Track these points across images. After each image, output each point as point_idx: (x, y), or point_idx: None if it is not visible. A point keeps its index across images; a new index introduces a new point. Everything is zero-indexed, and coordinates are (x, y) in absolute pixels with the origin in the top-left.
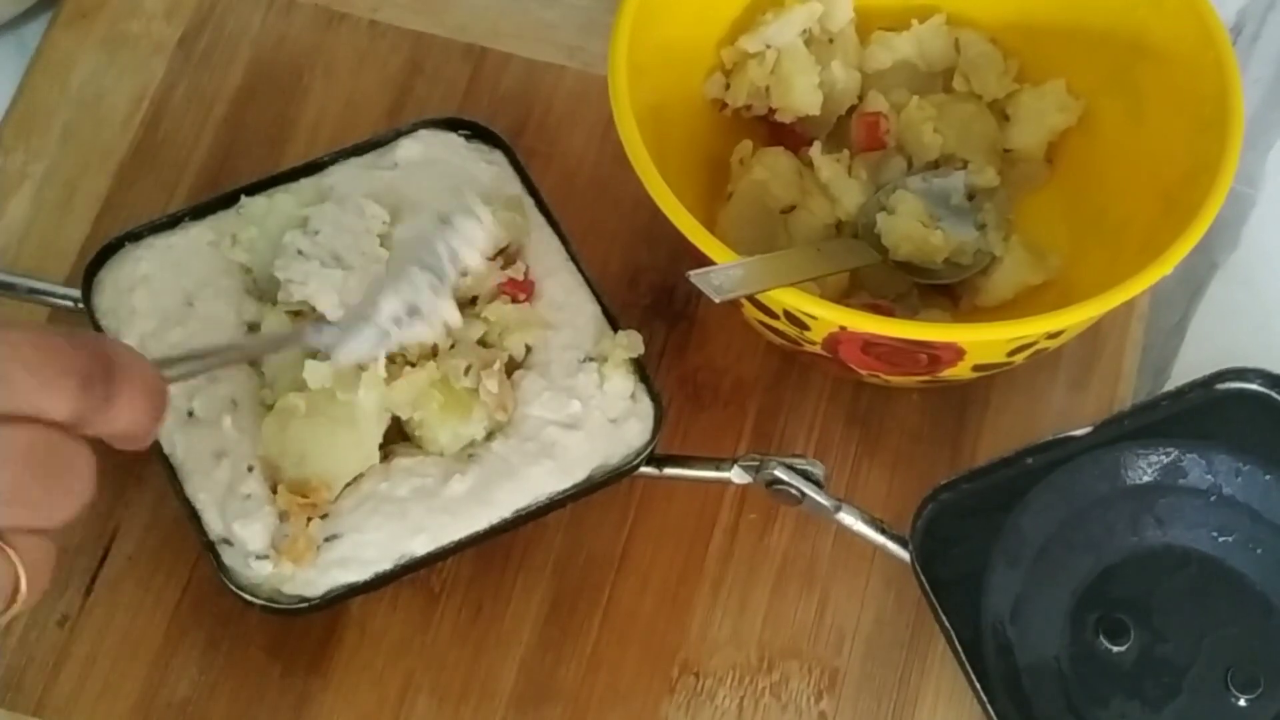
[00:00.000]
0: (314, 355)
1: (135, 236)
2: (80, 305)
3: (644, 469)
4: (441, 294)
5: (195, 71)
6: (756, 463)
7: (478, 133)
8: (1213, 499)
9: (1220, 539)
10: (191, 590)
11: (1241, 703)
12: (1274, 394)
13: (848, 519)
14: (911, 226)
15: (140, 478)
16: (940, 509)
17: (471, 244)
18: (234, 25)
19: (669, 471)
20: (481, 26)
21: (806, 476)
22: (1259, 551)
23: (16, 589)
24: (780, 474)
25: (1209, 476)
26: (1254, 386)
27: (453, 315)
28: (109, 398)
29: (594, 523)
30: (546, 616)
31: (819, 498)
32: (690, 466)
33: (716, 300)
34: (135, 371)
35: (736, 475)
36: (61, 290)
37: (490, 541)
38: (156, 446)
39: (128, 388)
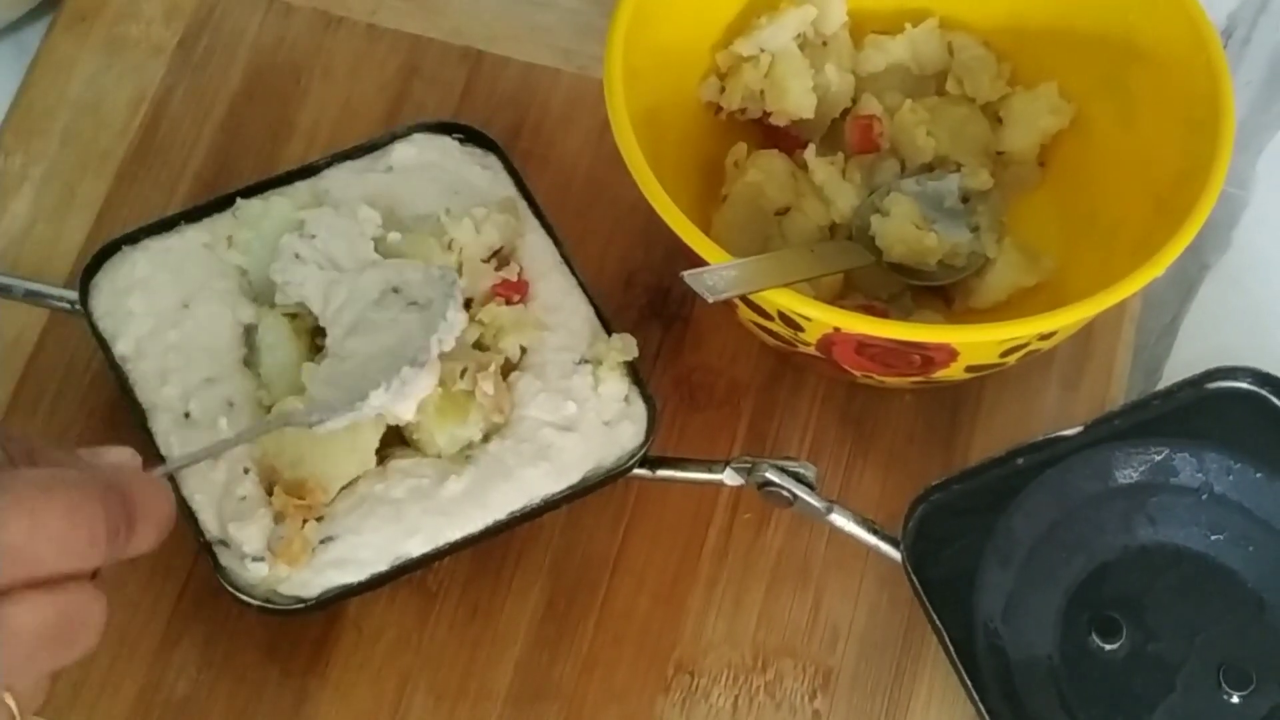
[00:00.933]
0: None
1: (132, 239)
2: (78, 307)
3: (637, 471)
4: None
5: (194, 74)
6: (749, 465)
7: (471, 136)
8: (1204, 497)
9: (1212, 537)
10: (190, 590)
11: (1234, 700)
12: (1264, 392)
13: (839, 520)
14: (905, 229)
15: None
16: (931, 509)
17: (453, 332)
18: (232, 28)
19: (662, 473)
20: (478, 30)
21: (798, 478)
22: (1251, 549)
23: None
24: (772, 476)
25: (1200, 475)
26: (1244, 385)
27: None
28: (130, 539)
29: (590, 523)
30: (542, 616)
31: (810, 499)
32: (683, 468)
33: (710, 300)
34: (153, 506)
35: (729, 477)
36: (59, 292)
37: (487, 542)
38: (154, 448)
39: (145, 522)
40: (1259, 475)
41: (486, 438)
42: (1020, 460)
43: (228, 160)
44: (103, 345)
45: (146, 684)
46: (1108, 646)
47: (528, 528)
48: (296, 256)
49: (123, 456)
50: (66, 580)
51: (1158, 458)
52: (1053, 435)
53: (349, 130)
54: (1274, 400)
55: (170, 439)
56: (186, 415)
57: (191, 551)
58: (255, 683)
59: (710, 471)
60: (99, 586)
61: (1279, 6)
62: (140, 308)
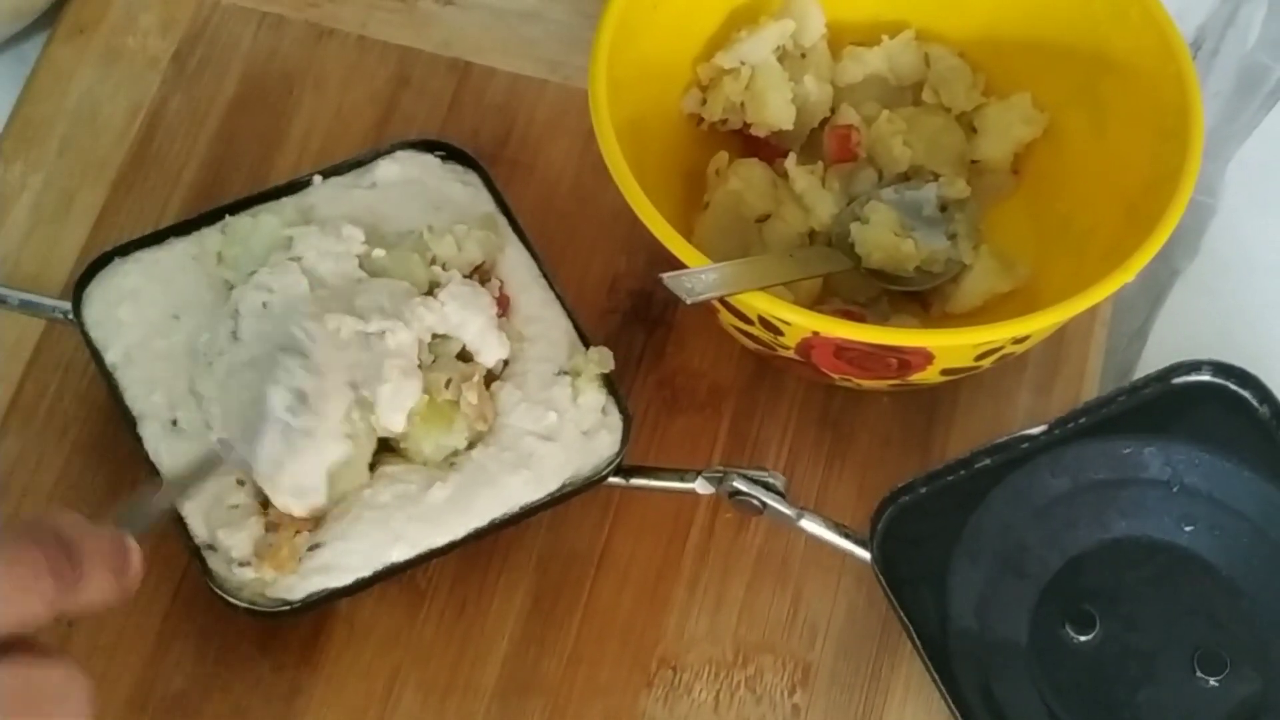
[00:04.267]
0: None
1: (124, 251)
2: (70, 317)
3: (612, 479)
4: (317, 372)
5: (189, 85)
6: (719, 474)
7: (453, 154)
8: (1174, 489)
9: (1185, 528)
10: (185, 588)
11: (1210, 684)
12: (1227, 383)
13: (810, 526)
14: (884, 236)
15: (135, 481)
16: (899, 511)
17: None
18: (226, 40)
19: (636, 482)
20: (466, 42)
21: (768, 487)
22: (1222, 537)
23: None
24: (740, 485)
25: (1169, 468)
26: (1207, 378)
27: (338, 403)
28: (78, 578)
29: (575, 522)
30: (529, 613)
31: (780, 507)
32: (656, 477)
33: (688, 302)
34: (94, 544)
35: (700, 486)
36: (52, 303)
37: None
38: (144, 455)
39: (92, 561)
40: (1227, 464)
41: (471, 445)
42: (987, 461)
43: (222, 169)
44: (94, 354)
45: (142, 679)
46: (1082, 638)
47: (514, 528)
48: (263, 306)
49: (68, 518)
50: (28, 648)
51: (1125, 453)
52: (1018, 435)
53: (340, 140)
54: (1237, 390)
55: (159, 447)
56: (174, 424)
57: (185, 553)
58: (248, 678)
59: (683, 481)
60: (76, 665)
61: (1246, 19)
62: (130, 318)
